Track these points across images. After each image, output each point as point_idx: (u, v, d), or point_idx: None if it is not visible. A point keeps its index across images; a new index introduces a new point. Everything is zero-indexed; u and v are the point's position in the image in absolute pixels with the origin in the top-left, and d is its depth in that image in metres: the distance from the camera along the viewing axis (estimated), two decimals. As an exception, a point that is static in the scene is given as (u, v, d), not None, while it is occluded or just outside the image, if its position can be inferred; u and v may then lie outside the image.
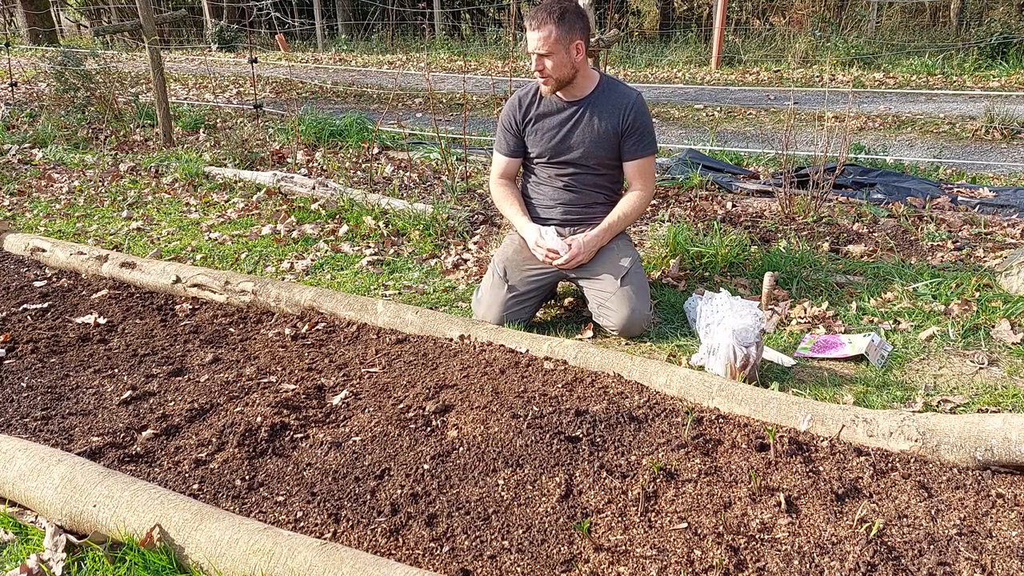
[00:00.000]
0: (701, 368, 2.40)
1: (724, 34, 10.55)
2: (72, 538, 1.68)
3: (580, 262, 2.72)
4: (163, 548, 1.60)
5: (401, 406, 2.17)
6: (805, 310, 2.85)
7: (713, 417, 2.04)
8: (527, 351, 2.43)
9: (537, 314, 2.91)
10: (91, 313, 2.97)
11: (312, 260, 3.62)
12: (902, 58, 10.13)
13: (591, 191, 2.85)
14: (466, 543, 1.62)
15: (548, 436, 1.96)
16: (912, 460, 1.83)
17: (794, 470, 1.81)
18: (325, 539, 1.61)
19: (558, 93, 2.79)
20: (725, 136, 6.26)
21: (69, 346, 2.71)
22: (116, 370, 2.52)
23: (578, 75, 2.73)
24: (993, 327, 2.66)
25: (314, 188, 4.46)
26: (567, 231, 2.83)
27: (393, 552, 1.60)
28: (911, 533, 1.61)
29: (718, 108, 7.56)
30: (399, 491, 1.79)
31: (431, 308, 2.93)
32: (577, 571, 1.54)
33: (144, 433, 2.09)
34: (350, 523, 1.69)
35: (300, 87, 9.61)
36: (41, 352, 2.65)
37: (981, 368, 2.44)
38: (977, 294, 2.90)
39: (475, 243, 3.72)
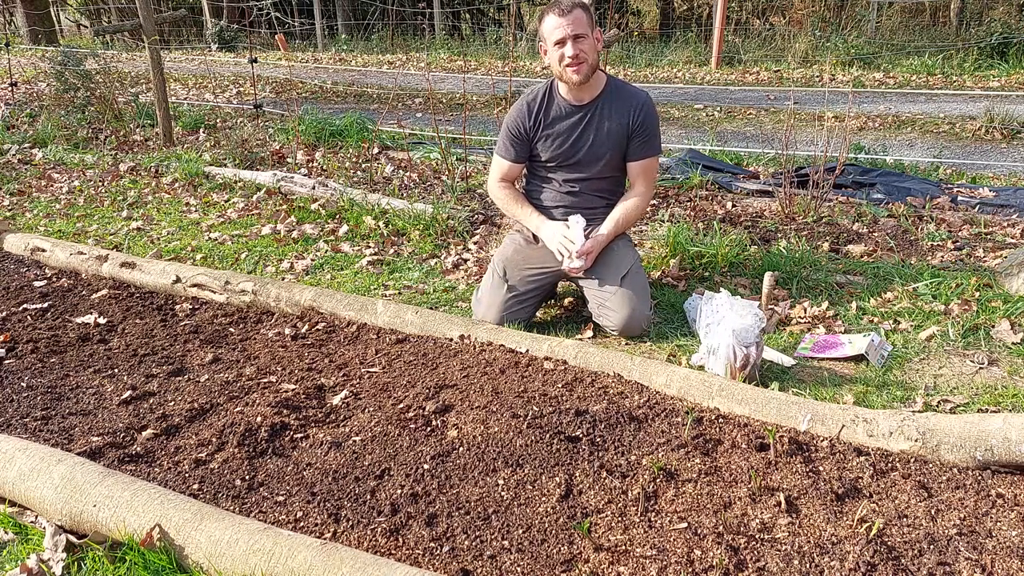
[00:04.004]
0: (701, 368, 2.40)
1: (724, 34, 10.54)
2: (72, 538, 1.68)
3: (590, 263, 2.73)
4: (163, 548, 1.60)
5: (401, 406, 2.17)
6: (805, 310, 2.85)
7: (713, 417, 2.04)
8: (527, 351, 2.43)
9: (537, 314, 2.91)
10: (91, 313, 2.97)
11: (312, 260, 3.62)
12: (902, 58, 10.13)
13: (593, 195, 2.85)
14: (466, 543, 1.62)
15: (548, 436, 1.96)
16: (912, 460, 1.83)
17: (794, 470, 1.81)
18: (325, 539, 1.61)
19: (565, 96, 2.77)
20: (725, 136, 6.26)
21: (69, 346, 2.71)
22: (116, 370, 2.52)
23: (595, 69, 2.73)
24: (993, 327, 2.66)
25: (314, 188, 4.46)
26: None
27: (393, 552, 1.60)
28: (911, 533, 1.61)
29: (718, 108, 7.56)
30: (399, 491, 1.79)
31: (431, 308, 2.93)
32: (577, 571, 1.54)
33: (144, 433, 2.09)
34: (350, 523, 1.69)
35: (300, 87, 9.61)
36: (41, 352, 2.65)
37: (981, 368, 2.43)
38: (977, 294, 2.90)
39: (475, 243, 3.72)
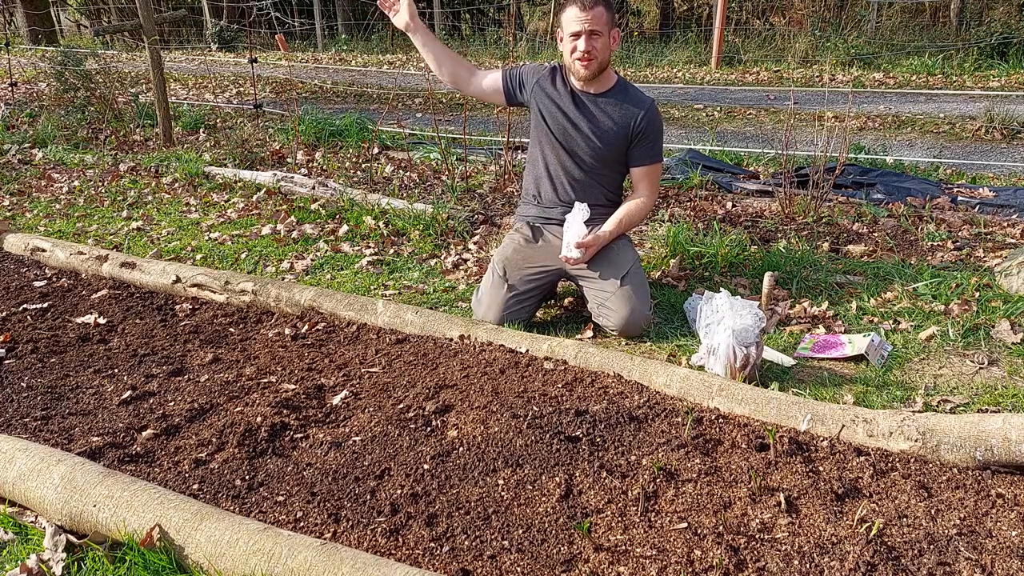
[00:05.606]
0: (701, 368, 2.40)
1: (724, 34, 10.54)
2: (72, 538, 1.68)
3: (588, 257, 2.72)
4: (163, 548, 1.60)
5: (401, 406, 2.17)
6: (805, 310, 2.85)
7: (713, 417, 2.04)
8: (527, 351, 2.43)
9: (537, 314, 2.91)
10: (91, 313, 2.97)
11: (312, 260, 3.62)
12: (902, 58, 10.13)
13: (595, 195, 2.85)
14: (466, 543, 1.62)
15: (548, 436, 1.96)
16: (912, 460, 1.83)
17: (794, 470, 1.81)
18: (325, 539, 1.61)
19: (576, 85, 2.79)
20: (725, 136, 6.26)
21: (69, 346, 2.70)
22: (116, 370, 2.52)
23: (607, 67, 2.75)
24: (993, 327, 2.66)
25: (314, 188, 4.46)
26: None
27: (393, 552, 1.60)
28: (911, 533, 1.61)
29: (718, 108, 7.56)
30: (399, 491, 1.79)
31: (431, 308, 2.93)
32: (577, 571, 1.54)
33: (144, 433, 2.09)
34: (350, 523, 1.69)
35: (300, 87, 9.60)
36: (41, 352, 2.65)
37: (981, 368, 2.44)
38: (977, 294, 2.90)
39: (475, 243, 3.72)
